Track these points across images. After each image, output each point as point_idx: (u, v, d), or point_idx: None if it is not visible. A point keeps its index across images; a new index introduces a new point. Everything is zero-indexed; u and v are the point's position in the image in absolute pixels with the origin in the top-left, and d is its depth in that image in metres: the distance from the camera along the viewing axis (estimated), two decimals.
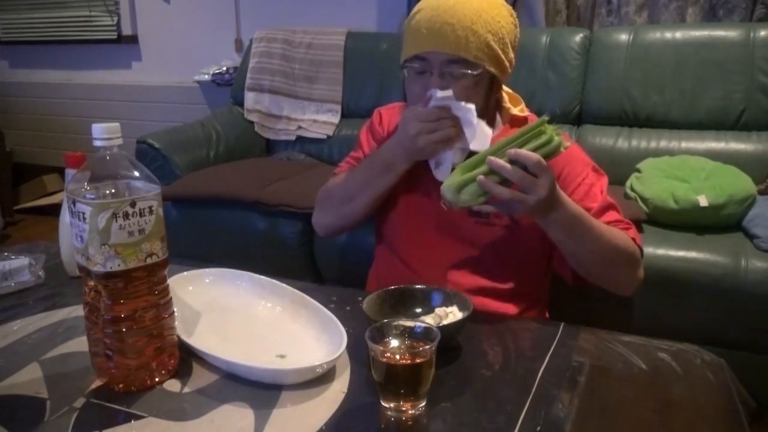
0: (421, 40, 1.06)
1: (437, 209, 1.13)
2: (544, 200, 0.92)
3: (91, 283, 0.74)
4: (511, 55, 1.11)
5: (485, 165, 0.91)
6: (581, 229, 1.01)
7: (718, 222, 1.84)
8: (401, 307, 0.92)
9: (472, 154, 0.98)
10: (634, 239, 1.11)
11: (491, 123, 1.17)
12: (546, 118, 0.94)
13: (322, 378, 0.77)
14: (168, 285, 0.79)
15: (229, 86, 3.16)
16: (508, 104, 1.19)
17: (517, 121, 1.20)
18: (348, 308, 0.96)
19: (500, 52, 1.08)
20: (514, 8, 1.12)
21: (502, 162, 0.90)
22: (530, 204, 0.91)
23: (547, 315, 1.24)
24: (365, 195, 1.18)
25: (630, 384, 0.80)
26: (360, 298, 0.91)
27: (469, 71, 1.06)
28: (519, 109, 1.21)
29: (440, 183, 1.01)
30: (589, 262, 1.08)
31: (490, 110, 1.16)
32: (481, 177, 0.90)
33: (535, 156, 0.90)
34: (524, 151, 0.90)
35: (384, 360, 0.70)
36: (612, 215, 1.12)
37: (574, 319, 0.99)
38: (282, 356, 0.83)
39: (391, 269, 1.21)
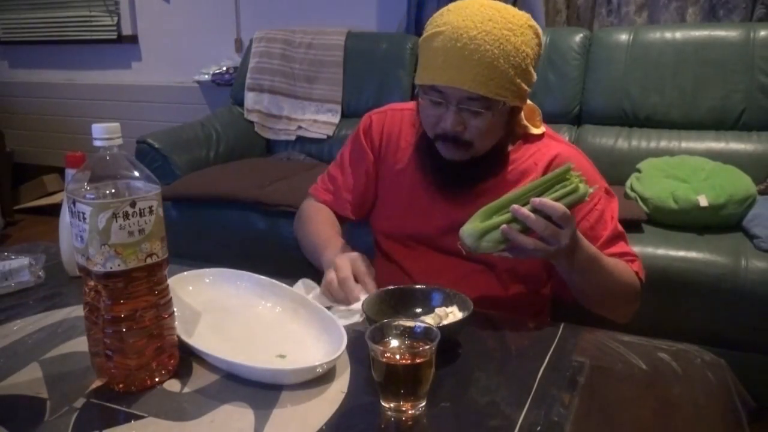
0: (439, 71, 0.99)
1: (437, 223, 1.13)
2: (565, 248, 0.91)
3: (91, 283, 0.74)
4: (533, 78, 1.05)
5: (507, 212, 0.89)
6: (593, 269, 1.01)
7: (718, 222, 1.84)
8: (401, 307, 0.92)
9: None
10: (637, 273, 1.11)
11: (505, 146, 1.12)
12: (571, 165, 0.92)
13: (322, 378, 0.77)
14: (168, 285, 0.79)
15: (229, 86, 3.16)
16: (524, 121, 1.14)
17: (533, 137, 1.15)
18: None
19: (523, 84, 1.02)
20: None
21: (526, 211, 0.88)
22: (551, 253, 0.91)
23: (547, 318, 1.24)
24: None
25: (630, 384, 0.80)
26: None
27: (489, 110, 1.01)
28: (535, 124, 1.15)
29: (442, 198, 1.06)
30: (593, 297, 1.08)
31: (508, 136, 1.12)
32: (505, 226, 0.88)
33: (561, 207, 0.88)
34: (550, 202, 0.88)
35: (384, 360, 0.70)
36: (620, 246, 1.12)
37: (574, 319, 0.99)
38: (282, 356, 0.82)
39: (389, 279, 1.20)
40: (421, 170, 1.15)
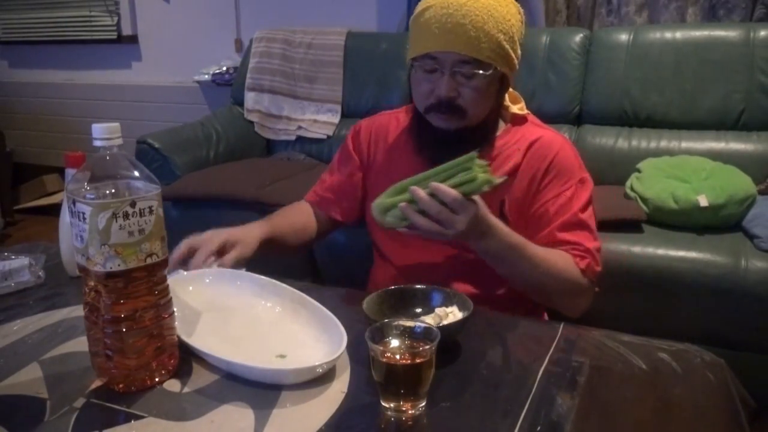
0: (433, 38, 1.06)
1: None
2: (463, 234, 0.94)
3: (91, 283, 0.74)
4: (519, 51, 1.11)
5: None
6: (514, 258, 1.03)
7: (718, 222, 1.84)
8: (401, 307, 0.92)
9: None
10: (585, 269, 1.09)
11: (494, 124, 1.18)
12: (475, 154, 0.94)
13: (322, 378, 0.77)
14: (168, 285, 0.79)
15: (229, 86, 3.16)
16: (508, 102, 1.20)
17: (517, 120, 1.20)
18: (348, 308, 0.96)
19: (510, 50, 1.08)
20: None
21: (421, 193, 0.92)
22: (448, 236, 0.95)
23: (546, 317, 1.24)
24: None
25: (630, 384, 0.80)
26: (360, 299, 0.90)
27: (481, 71, 1.06)
28: (519, 108, 1.21)
29: None
30: (521, 286, 1.10)
31: (498, 110, 1.17)
32: (403, 204, 0.93)
33: (453, 193, 0.91)
34: (443, 187, 0.91)
35: (384, 360, 0.70)
36: (576, 235, 1.11)
37: (575, 319, 0.99)
38: (282, 356, 0.82)
39: (387, 277, 1.21)
40: (411, 156, 1.17)
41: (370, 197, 1.24)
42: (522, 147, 1.15)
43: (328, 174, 1.33)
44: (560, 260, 1.08)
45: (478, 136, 1.13)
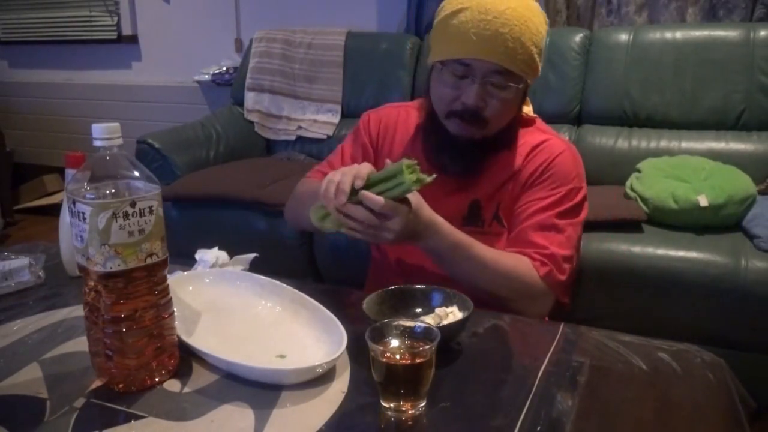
0: (469, 44, 1.01)
1: (436, 211, 1.13)
2: (399, 237, 0.95)
3: (91, 283, 0.74)
4: (542, 61, 1.09)
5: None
6: (459, 258, 1.02)
7: (718, 222, 1.84)
8: (401, 307, 0.92)
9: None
10: (544, 276, 1.05)
11: (510, 133, 1.14)
12: (403, 163, 0.92)
13: (322, 378, 0.77)
14: (168, 285, 0.79)
15: (229, 86, 3.16)
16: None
17: (526, 123, 1.18)
18: (348, 308, 0.96)
19: (539, 63, 1.06)
20: None
21: (350, 207, 0.93)
22: (387, 239, 0.95)
23: (546, 319, 1.24)
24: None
25: (630, 384, 0.80)
26: (360, 299, 0.90)
27: (513, 84, 1.04)
28: (527, 111, 1.19)
29: (442, 184, 1.04)
30: (469, 287, 1.02)
31: (516, 119, 1.14)
32: (335, 212, 0.94)
33: (379, 200, 0.91)
34: (370, 195, 0.92)
35: (384, 360, 0.70)
36: (543, 238, 1.07)
37: (574, 319, 0.99)
38: (282, 356, 0.82)
39: (387, 277, 1.20)
40: (421, 154, 1.15)
41: None
42: (524, 151, 1.14)
43: (338, 157, 1.27)
44: (512, 263, 1.05)
45: (494, 145, 1.12)
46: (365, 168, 0.94)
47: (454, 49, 1.04)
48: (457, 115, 1.07)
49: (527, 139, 1.16)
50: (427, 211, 0.99)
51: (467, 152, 1.10)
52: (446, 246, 1.02)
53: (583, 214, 1.13)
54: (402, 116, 1.24)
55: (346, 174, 0.93)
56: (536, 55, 1.04)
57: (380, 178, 0.93)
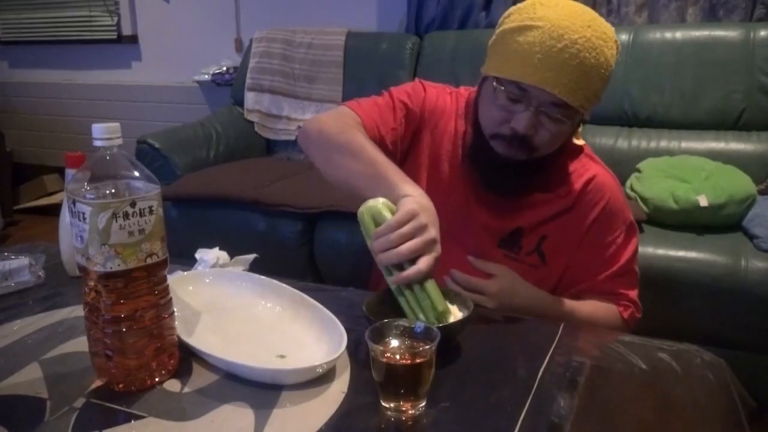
0: (531, 69, 0.94)
1: (468, 236, 1.10)
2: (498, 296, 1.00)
3: (91, 283, 0.74)
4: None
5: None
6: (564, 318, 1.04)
7: (718, 222, 1.84)
8: (401, 307, 0.92)
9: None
10: (628, 318, 1.10)
11: (556, 159, 1.08)
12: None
13: (322, 378, 0.77)
14: (168, 285, 0.79)
15: (229, 86, 3.16)
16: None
17: (574, 152, 1.13)
18: (348, 308, 0.96)
19: (601, 97, 1.00)
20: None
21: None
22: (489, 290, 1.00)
23: None
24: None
25: (630, 384, 0.80)
26: (360, 299, 0.90)
27: (568, 118, 0.98)
28: (576, 137, 1.13)
29: (479, 199, 1.09)
30: None
31: (565, 147, 1.09)
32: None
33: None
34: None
35: (384, 360, 0.70)
36: (621, 286, 1.11)
37: None
38: (282, 356, 0.82)
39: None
40: (465, 163, 1.11)
41: (405, 166, 1.12)
42: (576, 185, 1.10)
43: (391, 112, 1.12)
44: (605, 315, 1.09)
45: (536, 170, 1.07)
46: (431, 261, 0.82)
47: (514, 70, 0.96)
48: (504, 139, 1.01)
49: (577, 168, 1.12)
50: (524, 286, 1.05)
51: (514, 173, 1.06)
52: (547, 316, 1.02)
53: (638, 242, 1.16)
54: (454, 108, 1.15)
55: (416, 245, 0.81)
56: (600, 90, 0.98)
57: (426, 290, 0.84)
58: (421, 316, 0.83)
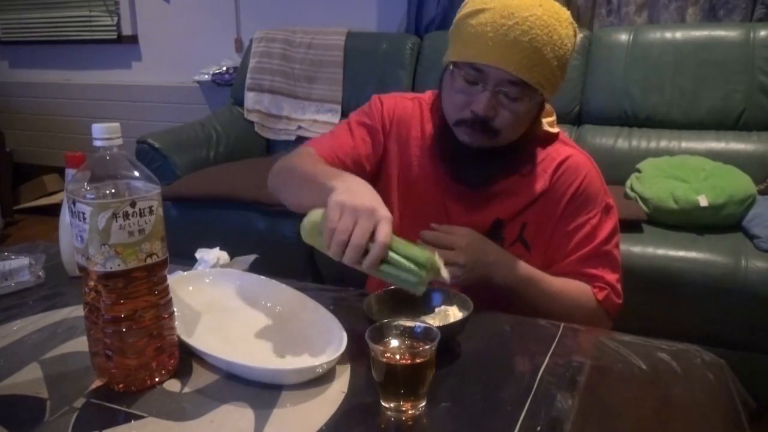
0: (484, 48, 0.95)
1: (444, 221, 1.08)
2: (468, 260, 0.98)
3: (91, 283, 0.74)
4: (565, 75, 1.02)
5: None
6: (530, 292, 1.04)
7: (718, 222, 1.84)
8: (401, 307, 0.92)
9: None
10: (602, 300, 1.07)
11: (523, 145, 1.08)
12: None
13: (322, 378, 0.77)
14: (168, 285, 0.79)
15: (229, 86, 3.16)
16: (542, 120, 1.11)
17: (548, 138, 1.12)
18: (348, 308, 0.96)
19: (560, 77, 1.00)
20: None
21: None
22: (455, 264, 0.97)
23: None
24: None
25: (630, 384, 0.80)
26: (360, 299, 0.90)
27: (526, 97, 0.98)
28: (549, 122, 1.12)
29: (455, 195, 1.08)
30: (532, 314, 1.01)
31: (530, 131, 1.07)
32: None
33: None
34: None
35: (384, 360, 0.70)
36: (597, 268, 1.09)
37: None
38: (282, 356, 0.83)
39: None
40: (434, 162, 1.12)
41: (380, 182, 1.15)
42: (549, 169, 1.10)
43: (347, 138, 1.14)
44: (577, 292, 1.07)
45: (504, 156, 1.07)
46: (385, 227, 0.78)
47: (468, 52, 0.98)
48: (465, 124, 1.02)
49: (550, 154, 1.11)
50: (493, 244, 1.01)
51: (481, 161, 1.06)
52: (519, 279, 1.02)
53: (618, 226, 1.13)
54: (416, 112, 1.17)
55: (362, 228, 0.78)
56: (557, 69, 0.98)
57: (401, 252, 0.79)
58: (411, 277, 0.79)
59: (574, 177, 1.10)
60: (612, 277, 1.10)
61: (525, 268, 1.04)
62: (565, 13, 0.99)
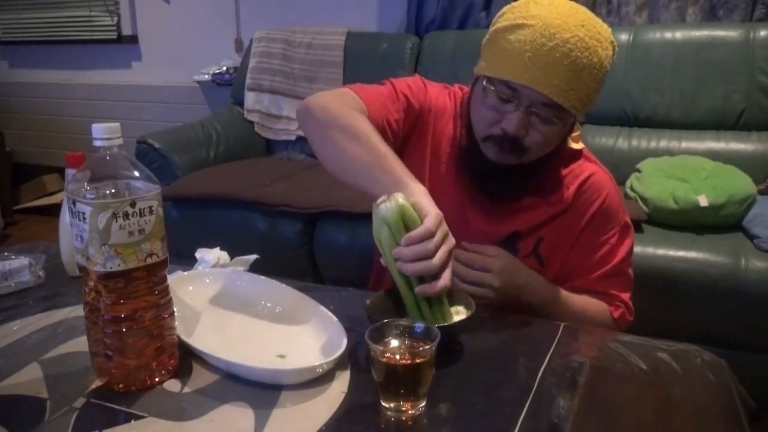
0: (521, 68, 0.91)
1: (465, 240, 1.05)
2: (501, 278, 0.98)
3: (91, 283, 0.74)
4: (600, 92, 0.99)
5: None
6: (551, 311, 1.04)
7: (718, 222, 1.84)
8: (402, 307, 0.92)
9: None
10: (618, 318, 1.10)
11: (549, 162, 1.05)
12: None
13: (322, 378, 0.77)
14: (168, 285, 0.79)
15: (229, 86, 3.16)
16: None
17: (572, 156, 1.10)
18: (348, 308, 0.96)
19: (595, 98, 0.97)
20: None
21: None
22: (489, 287, 0.98)
23: None
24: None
25: (630, 384, 0.80)
26: (360, 299, 0.90)
27: (559, 121, 0.96)
28: (573, 138, 1.10)
29: (478, 206, 1.08)
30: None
31: (558, 150, 1.05)
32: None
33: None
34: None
35: (384, 360, 0.70)
36: (614, 287, 1.11)
37: None
38: (282, 356, 0.82)
39: (389, 277, 1.17)
40: (461, 167, 1.09)
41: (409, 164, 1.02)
42: (572, 186, 1.09)
43: (393, 102, 1.07)
44: (595, 310, 1.09)
45: (529, 174, 1.05)
46: (449, 275, 0.81)
47: (504, 69, 0.94)
48: (494, 140, 0.99)
49: (573, 170, 1.10)
50: (523, 266, 1.02)
51: (506, 178, 1.04)
52: (545, 299, 1.04)
53: (633, 244, 1.15)
54: (450, 109, 1.13)
55: (446, 254, 0.79)
56: (593, 91, 0.95)
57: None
58: (421, 320, 0.82)
59: (596, 196, 1.09)
60: (626, 295, 1.12)
61: (550, 288, 1.05)
62: (606, 32, 0.95)
